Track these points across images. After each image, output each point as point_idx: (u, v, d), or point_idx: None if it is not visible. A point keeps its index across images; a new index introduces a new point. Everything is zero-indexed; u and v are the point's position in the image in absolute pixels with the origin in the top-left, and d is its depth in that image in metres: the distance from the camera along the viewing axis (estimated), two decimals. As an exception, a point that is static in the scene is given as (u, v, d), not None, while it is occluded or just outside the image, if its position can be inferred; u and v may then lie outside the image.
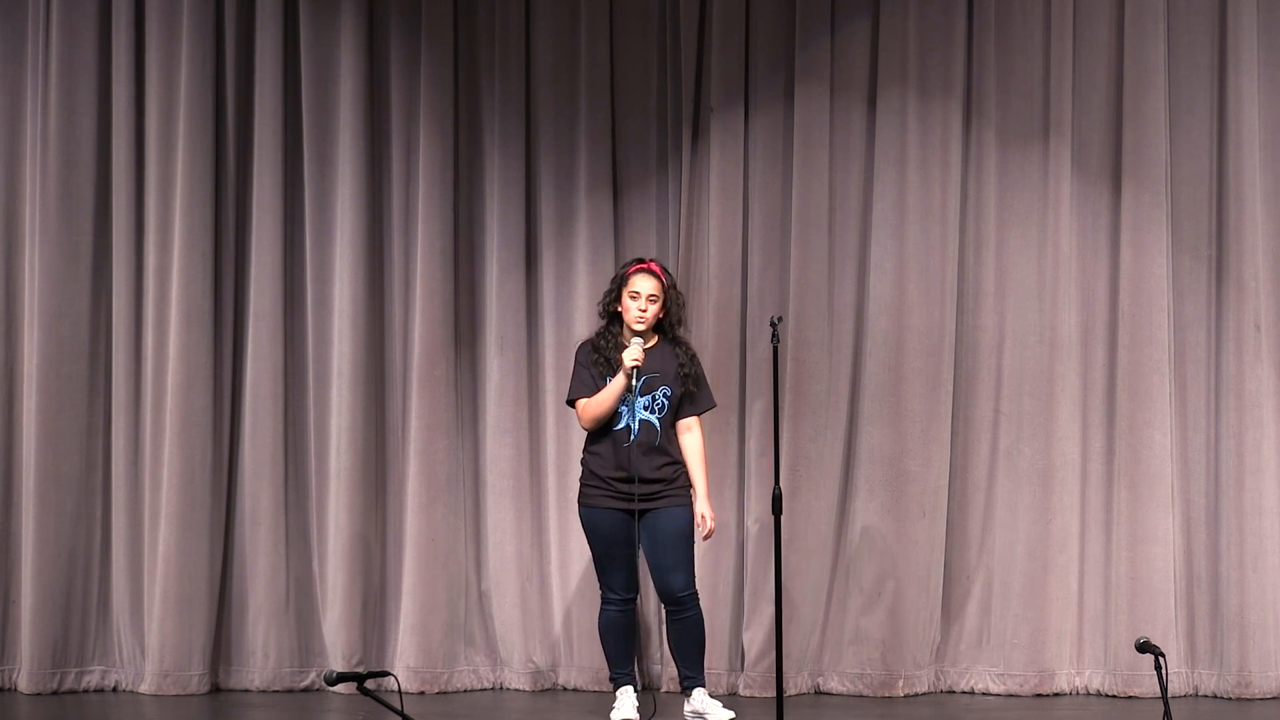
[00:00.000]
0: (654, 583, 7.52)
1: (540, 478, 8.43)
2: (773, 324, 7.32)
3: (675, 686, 8.21)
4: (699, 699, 7.49)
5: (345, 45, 8.33)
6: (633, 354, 7.33)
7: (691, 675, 7.50)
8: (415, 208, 8.38)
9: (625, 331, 7.46)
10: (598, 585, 8.26)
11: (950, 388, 8.27)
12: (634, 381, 7.34)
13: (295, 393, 8.42)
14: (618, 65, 8.44)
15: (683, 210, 8.38)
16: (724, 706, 7.52)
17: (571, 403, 7.57)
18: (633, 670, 7.60)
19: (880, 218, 8.29)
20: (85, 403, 8.34)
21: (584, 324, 8.32)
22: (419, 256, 8.35)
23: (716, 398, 7.72)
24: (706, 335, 8.23)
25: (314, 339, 8.40)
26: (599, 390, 7.42)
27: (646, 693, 7.85)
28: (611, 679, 7.59)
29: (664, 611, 7.61)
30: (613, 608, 7.47)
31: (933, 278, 8.25)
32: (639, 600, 7.73)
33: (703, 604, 7.56)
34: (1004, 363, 8.28)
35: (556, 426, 8.38)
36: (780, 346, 7.43)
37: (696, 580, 7.51)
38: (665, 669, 8.25)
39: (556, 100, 8.43)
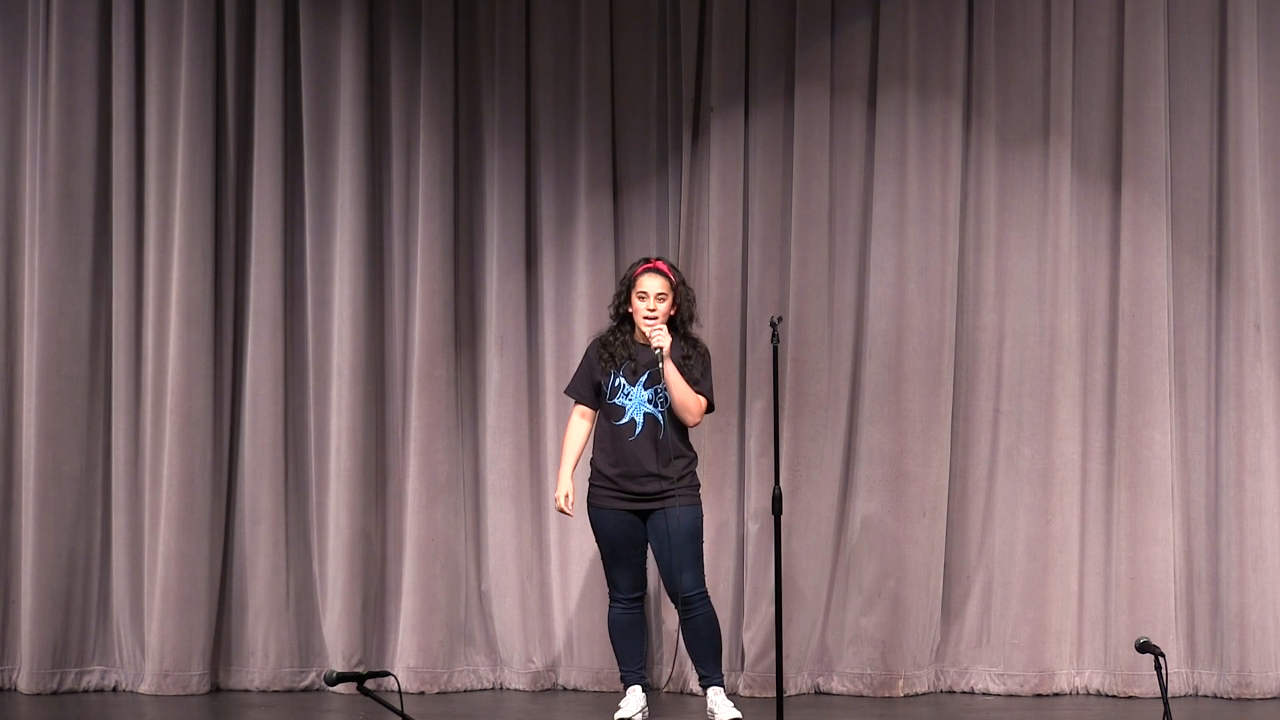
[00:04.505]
0: (663, 582, 7.51)
1: (540, 478, 8.43)
2: (773, 324, 7.32)
3: (675, 686, 8.23)
4: (712, 697, 7.49)
5: (345, 45, 8.34)
6: (660, 339, 7.36)
7: (706, 674, 7.50)
8: (415, 208, 8.38)
9: (636, 332, 7.47)
10: (598, 584, 8.28)
11: (950, 388, 8.27)
12: (659, 364, 7.34)
13: (295, 393, 8.42)
14: (618, 65, 8.44)
15: (683, 210, 8.38)
16: (730, 705, 7.50)
17: (570, 394, 7.65)
18: (642, 669, 7.58)
19: (880, 218, 8.29)
20: (85, 403, 8.34)
21: (584, 324, 8.33)
22: (419, 256, 8.35)
23: (717, 397, 7.69)
24: (706, 335, 8.21)
25: (314, 339, 8.41)
26: (590, 390, 7.48)
27: (653, 691, 7.84)
28: (621, 677, 7.59)
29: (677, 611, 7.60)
30: (619, 607, 7.48)
31: (933, 277, 8.25)
32: (646, 599, 7.71)
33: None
34: (1004, 363, 8.28)
35: (556, 426, 8.38)
36: (780, 346, 7.42)
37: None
38: (664, 668, 8.25)
39: (556, 100, 8.43)
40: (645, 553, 7.47)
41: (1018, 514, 8.22)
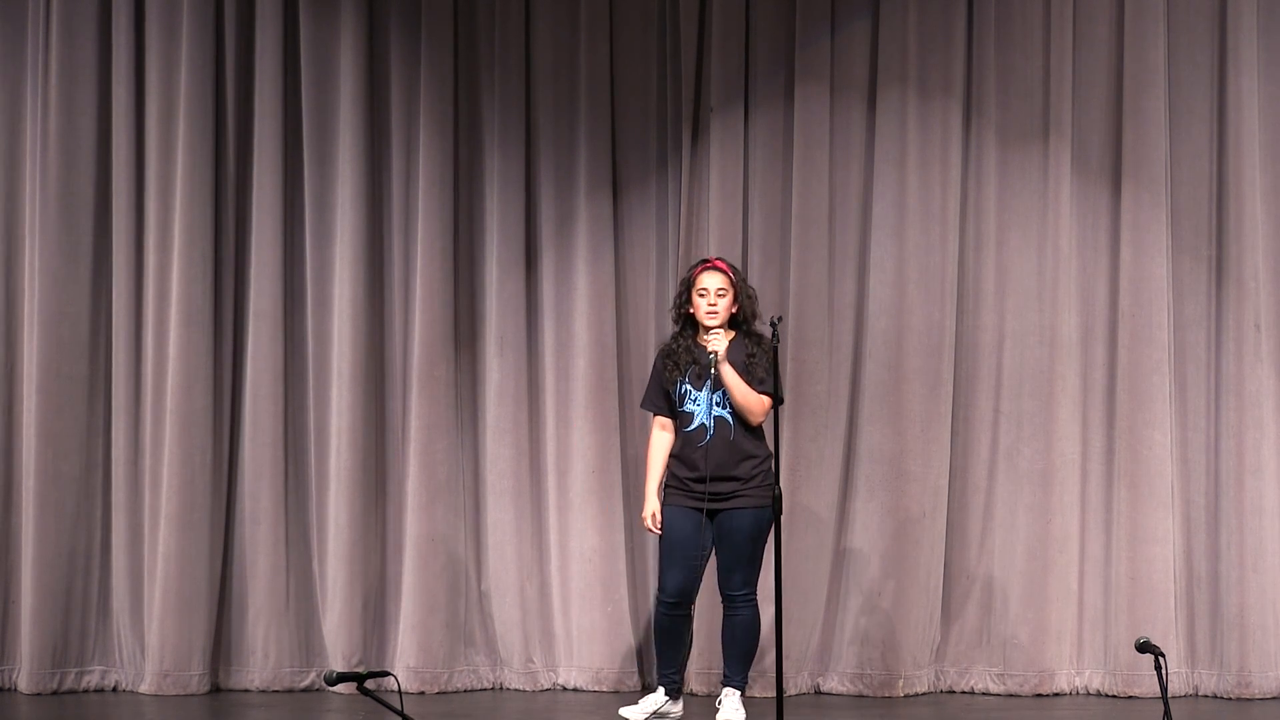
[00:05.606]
0: (718, 580, 7.49)
1: (540, 478, 8.43)
2: (773, 324, 7.31)
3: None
4: (722, 698, 7.47)
5: (345, 45, 8.34)
6: (716, 344, 7.32)
7: (728, 674, 7.49)
8: (415, 208, 8.38)
9: (700, 331, 7.46)
10: (598, 584, 8.30)
11: (950, 388, 8.27)
12: (712, 370, 7.31)
13: (295, 393, 8.42)
14: (618, 65, 8.44)
15: (683, 210, 8.38)
16: (737, 708, 7.47)
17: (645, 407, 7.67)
18: (673, 674, 7.50)
19: (880, 218, 8.29)
20: (85, 403, 8.34)
21: (584, 324, 8.33)
22: (419, 256, 8.35)
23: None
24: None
25: (314, 339, 8.41)
26: (664, 400, 7.46)
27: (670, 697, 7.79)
28: (657, 675, 7.58)
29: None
30: (660, 609, 7.44)
31: (933, 278, 8.25)
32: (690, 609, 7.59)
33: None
34: (1004, 363, 8.28)
35: (556, 427, 8.38)
36: (780, 346, 7.42)
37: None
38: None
39: (556, 100, 8.43)
40: (701, 560, 7.41)
41: (1018, 514, 8.23)
